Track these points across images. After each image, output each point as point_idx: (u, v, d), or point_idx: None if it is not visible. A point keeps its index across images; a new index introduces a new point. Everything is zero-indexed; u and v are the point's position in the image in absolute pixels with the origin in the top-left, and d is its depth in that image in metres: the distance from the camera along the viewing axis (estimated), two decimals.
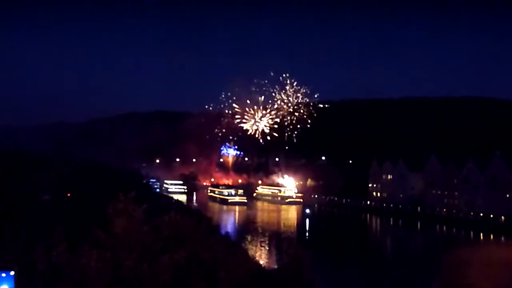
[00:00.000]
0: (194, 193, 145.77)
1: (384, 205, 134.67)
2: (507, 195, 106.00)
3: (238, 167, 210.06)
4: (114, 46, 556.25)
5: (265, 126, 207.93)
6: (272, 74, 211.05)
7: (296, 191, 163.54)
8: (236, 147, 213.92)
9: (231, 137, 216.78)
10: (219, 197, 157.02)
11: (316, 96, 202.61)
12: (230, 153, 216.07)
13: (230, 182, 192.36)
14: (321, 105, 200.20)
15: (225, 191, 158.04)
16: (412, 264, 66.56)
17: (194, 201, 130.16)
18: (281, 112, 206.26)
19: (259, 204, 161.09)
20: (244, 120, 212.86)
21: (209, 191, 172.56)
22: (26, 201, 39.42)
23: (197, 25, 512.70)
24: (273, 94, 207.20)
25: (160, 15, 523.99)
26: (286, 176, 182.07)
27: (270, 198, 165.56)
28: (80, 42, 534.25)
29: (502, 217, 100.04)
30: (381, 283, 53.77)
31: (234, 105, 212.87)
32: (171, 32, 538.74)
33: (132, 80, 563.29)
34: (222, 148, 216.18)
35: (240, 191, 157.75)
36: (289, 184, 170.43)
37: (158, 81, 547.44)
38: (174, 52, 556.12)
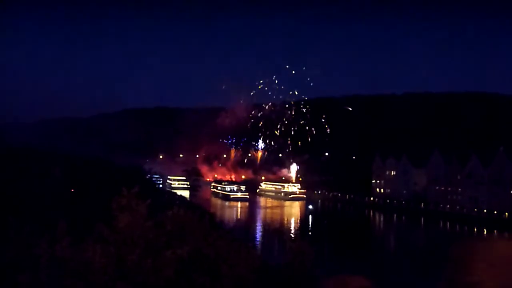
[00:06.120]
0: (197, 189, 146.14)
1: (388, 201, 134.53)
2: (511, 191, 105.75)
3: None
4: (114, 43, 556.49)
5: (266, 122, 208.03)
6: (274, 69, 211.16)
7: (299, 186, 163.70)
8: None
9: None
10: (222, 193, 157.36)
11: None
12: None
13: (233, 177, 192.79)
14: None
15: (228, 187, 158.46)
16: (414, 260, 66.55)
17: (197, 196, 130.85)
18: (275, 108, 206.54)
19: (262, 200, 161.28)
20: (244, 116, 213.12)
21: (212, 187, 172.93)
22: (29, 196, 39.50)
23: (199, 21, 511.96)
24: (275, 89, 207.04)
25: (161, 13, 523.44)
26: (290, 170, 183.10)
27: (273, 194, 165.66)
28: (81, 40, 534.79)
29: (506, 213, 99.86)
30: (383, 279, 53.73)
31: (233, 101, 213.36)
32: (172, 29, 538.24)
33: (132, 77, 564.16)
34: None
35: (243, 187, 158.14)
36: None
37: (158, 78, 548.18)
38: (175, 48, 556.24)
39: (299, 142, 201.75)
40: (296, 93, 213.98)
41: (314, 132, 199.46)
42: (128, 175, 79.94)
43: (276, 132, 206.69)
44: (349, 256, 68.50)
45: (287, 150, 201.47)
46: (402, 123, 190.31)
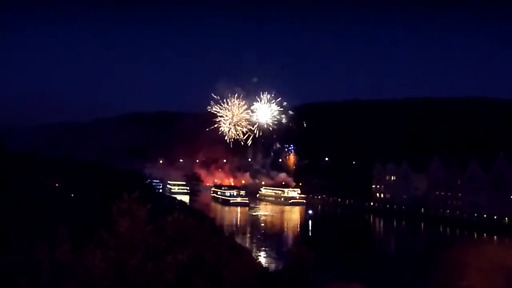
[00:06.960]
0: (197, 193, 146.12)
1: (388, 206, 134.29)
2: (511, 196, 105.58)
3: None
4: (115, 48, 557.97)
5: (265, 126, 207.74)
6: (273, 73, 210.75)
7: (299, 191, 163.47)
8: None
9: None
10: (222, 198, 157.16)
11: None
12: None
13: (232, 182, 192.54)
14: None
15: (227, 192, 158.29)
16: (413, 266, 66.38)
17: (197, 201, 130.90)
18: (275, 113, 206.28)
19: (262, 205, 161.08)
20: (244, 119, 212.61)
21: (211, 191, 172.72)
22: (30, 200, 39.51)
23: (199, 26, 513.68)
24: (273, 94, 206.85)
25: (162, 17, 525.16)
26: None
27: (273, 199, 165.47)
28: (82, 44, 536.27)
29: (506, 218, 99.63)
30: (382, 283, 53.63)
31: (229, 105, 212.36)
32: (172, 34, 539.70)
33: (134, 81, 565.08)
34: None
35: (242, 192, 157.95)
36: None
37: (160, 82, 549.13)
38: (175, 53, 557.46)
39: (298, 147, 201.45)
40: (296, 97, 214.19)
41: (313, 136, 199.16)
42: (128, 179, 79.97)
43: (274, 137, 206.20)
44: (348, 261, 68.35)
45: (286, 155, 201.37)
46: (403, 128, 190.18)
